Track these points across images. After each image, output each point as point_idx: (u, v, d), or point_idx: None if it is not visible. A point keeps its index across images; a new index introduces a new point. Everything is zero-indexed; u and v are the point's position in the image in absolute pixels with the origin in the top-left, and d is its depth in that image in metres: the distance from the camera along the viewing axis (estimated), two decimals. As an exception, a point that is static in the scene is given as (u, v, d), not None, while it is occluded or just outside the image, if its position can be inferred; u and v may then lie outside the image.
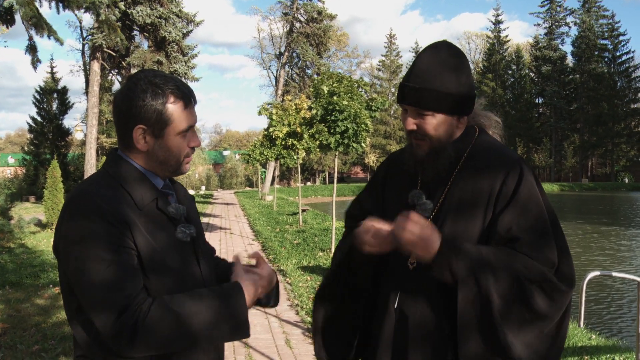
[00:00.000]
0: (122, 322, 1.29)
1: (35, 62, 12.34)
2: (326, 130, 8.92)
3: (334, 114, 8.66)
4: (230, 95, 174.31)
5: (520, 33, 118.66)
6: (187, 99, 1.48)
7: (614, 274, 3.52)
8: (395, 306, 1.60)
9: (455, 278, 1.44)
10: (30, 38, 11.73)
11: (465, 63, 1.57)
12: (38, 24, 10.33)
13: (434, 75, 1.51)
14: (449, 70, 1.52)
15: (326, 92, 8.84)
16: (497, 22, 69.41)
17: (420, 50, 1.64)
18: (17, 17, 10.55)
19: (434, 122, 1.54)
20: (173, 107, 1.45)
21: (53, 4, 11.00)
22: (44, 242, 11.95)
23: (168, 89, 1.45)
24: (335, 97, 8.74)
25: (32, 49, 11.98)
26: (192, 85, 22.10)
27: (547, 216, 1.50)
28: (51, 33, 10.66)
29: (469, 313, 1.43)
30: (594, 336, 5.44)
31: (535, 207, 1.49)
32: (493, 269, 1.43)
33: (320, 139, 9.03)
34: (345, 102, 8.65)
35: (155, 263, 1.41)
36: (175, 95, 1.45)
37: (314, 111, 9.15)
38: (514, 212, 1.47)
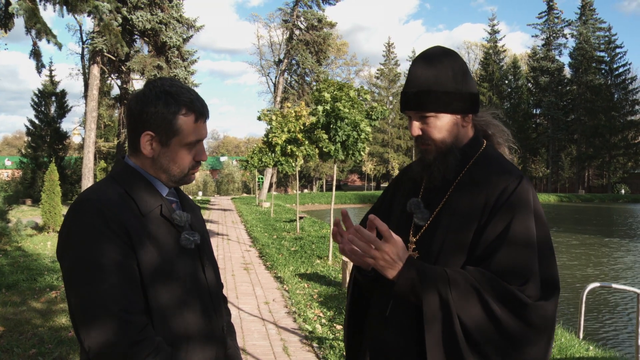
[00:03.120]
0: (124, 340, 1.29)
1: (40, 67, 12.41)
2: (326, 138, 8.93)
3: (337, 121, 8.68)
4: (230, 101, 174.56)
5: (521, 44, 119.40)
6: (200, 113, 1.49)
7: (614, 285, 3.51)
8: (387, 314, 1.57)
9: (419, 298, 1.41)
10: (35, 43, 11.79)
11: (460, 62, 1.56)
12: (41, 29, 10.38)
13: (430, 77, 1.52)
14: (444, 70, 1.52)
15: (328, 98, 8.86)
16: (494, 32, 69.86)
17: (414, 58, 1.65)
18: (20, 20, 10.62)
19: (438, 124, 1.54)
20: (183, 119, 1.46)
21: (57, 7, 11.06)
22: (40, 245, 11.91)
23: (182, 100, 1.46)
24: (337, 103, 8.75)
25: (36, 54, 12.04)
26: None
27: (532, 230, 1.45)
28: (49, 37, 10.69)
29: (435, 335, 1.38)
30: (591, 347, 5.42)
31: (518, 221, 1.44)
32: (459, 291, 1.38)
33: (321, 146, 9.05)
34: (346, 110, 8.67)
35: (158, 270, 1.41)
36: (188, 108, 1.46)
37: (315, 118, 9.17)
38: (497, 224, 1.45)
